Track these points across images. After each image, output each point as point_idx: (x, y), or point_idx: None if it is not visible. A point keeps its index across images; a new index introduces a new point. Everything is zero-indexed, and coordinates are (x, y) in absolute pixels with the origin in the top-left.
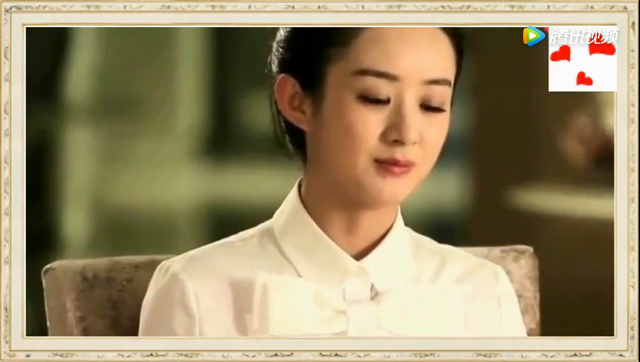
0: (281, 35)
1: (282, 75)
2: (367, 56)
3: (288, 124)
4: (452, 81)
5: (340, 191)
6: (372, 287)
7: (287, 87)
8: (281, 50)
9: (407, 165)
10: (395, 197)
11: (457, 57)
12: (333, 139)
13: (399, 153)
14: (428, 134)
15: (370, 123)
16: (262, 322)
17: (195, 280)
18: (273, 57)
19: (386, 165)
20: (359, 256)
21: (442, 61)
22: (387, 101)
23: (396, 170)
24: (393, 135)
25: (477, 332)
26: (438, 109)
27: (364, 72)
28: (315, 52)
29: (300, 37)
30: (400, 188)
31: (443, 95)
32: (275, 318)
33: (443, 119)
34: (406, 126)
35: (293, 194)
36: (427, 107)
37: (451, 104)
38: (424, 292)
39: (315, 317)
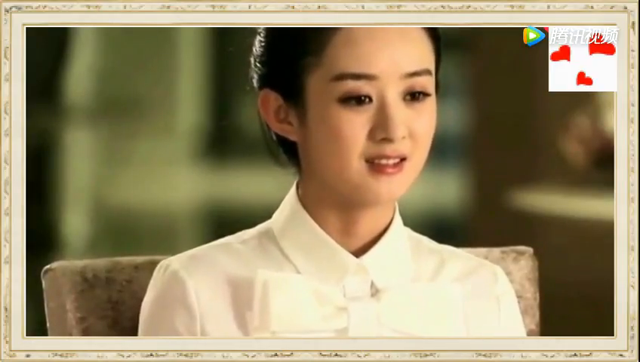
0: (256, 50)
1: (264, 90)
2: (341, 60)
3: (279, 136)
4: (432, 70)
5: (337, 194)
6: (372, 284)
7: (271, 101)
8: (258, 65)
9: (399, 159)
10: (392, 196)
11: (434, 45)
12: (323, 146)
13: (389, 149)
14: (416, 127)
15: (356, 124)
16: (263, 319)
17: (195, 278)
18: (252, 73)
19: (378, 166)
20: (359, 254)
21: (418, 52)
22: (370, 100)
23: (389, 169)
24: (380, 134)
25: (477, 331)
26: (423, 95)
27: (342, 77)
28: (291, 64)
29: (275, 50)
30: (396, 186)
31: (424, 84)
32: (276, 315)
33: (429, 108)
34: (392, 123)
35: (291, 195)
36: (411, 96)
37: (437, 92)
38: (425, 290)
39: (316, 313)
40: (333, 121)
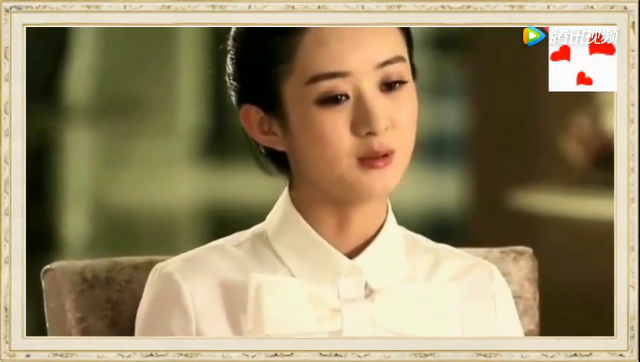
0: (228, 68)
1: (244, 105)
2: (313, 63)
3: (266, 148)
4: (405, 56)
5: (330, 195)
6: (366, 285)
7: (252, 115)
8: (234, 83)
9: (387, 154)
10: (386, 189)
11: (403, 32)
12: (309, 150)
13: (375, 143)
14: (397, 116)
15: (338, 123)
16: (257, 322)
17: (190, 281)
18: (230, 91)
19: (368, 161)
20: (352, 255)
21: (388, 41)
22: (347, 97)
23: (379, 163)
24: (364, 128)
25: (473, 330)
26: (399, 82)
27: (316, 79)
28: (264, 75)
29: (246, 65)
30: (388, 179)
31: (399, 72)
32: (270, 318)
33: (408, 95)
34: (372, 116)
35: (284, 197)
36: (388, 86)
37: (414, 78)
38: (419, 290)
39: (310, 316)
40: (315, 125)
